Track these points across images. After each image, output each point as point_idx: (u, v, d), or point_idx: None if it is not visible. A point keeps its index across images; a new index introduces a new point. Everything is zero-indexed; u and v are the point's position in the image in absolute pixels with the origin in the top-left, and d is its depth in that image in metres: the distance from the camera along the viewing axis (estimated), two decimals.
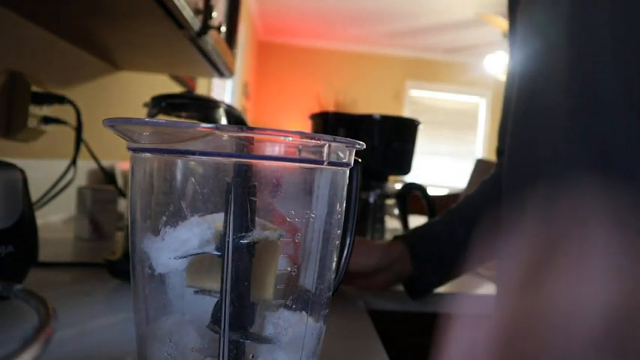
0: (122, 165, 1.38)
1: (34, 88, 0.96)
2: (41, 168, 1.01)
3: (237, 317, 0.30)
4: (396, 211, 0.97)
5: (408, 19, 4.89)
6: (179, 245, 0.30)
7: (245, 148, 0.30)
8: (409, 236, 0.74)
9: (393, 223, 1.30)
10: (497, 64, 4.85)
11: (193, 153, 0.29)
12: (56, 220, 1.12)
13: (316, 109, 0.97)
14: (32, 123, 0.97)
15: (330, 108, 5.29)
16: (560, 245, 0.31)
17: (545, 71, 0.56)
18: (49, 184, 0.99)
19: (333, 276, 0.36)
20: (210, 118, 0.75)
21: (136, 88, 1.66)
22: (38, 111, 0.98)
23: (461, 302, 0.89)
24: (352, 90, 5.71)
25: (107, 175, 1.11)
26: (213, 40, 1.02)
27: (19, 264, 0.55)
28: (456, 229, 0.74)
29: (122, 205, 1.10)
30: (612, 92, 0.48)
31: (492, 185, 0.77)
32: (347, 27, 5.24)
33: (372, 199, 0.94)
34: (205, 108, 0.76)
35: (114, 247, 0.90)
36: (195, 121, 0.77)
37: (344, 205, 0.35)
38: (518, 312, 0.32)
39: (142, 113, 0.79)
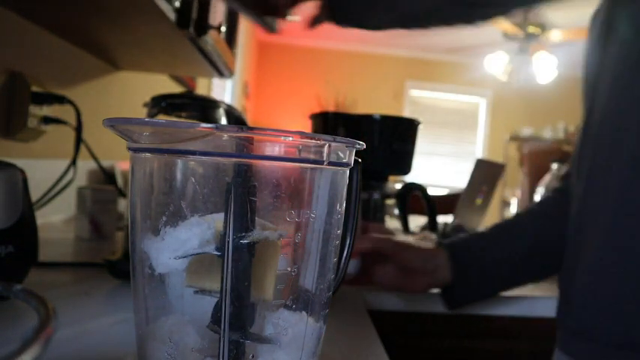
0: (122, 165, 1.38)
1: (34, 88, 0.96)
2: (41, 168, 1.01)
3: (237, 317, 0.30)
4: (396, 211, 0.97)
5: None
6: (179, 245, 0.30)
7: (245, 148, 0.30)
8: (452, 245, 0.73)
9: (393, 223, 1.31)
10: (497, 64, 4.85)
11: (193, 153, 0.29)
12: (56, 220, 1.12)
13: (316, 109, 0.97)
14: (32, 123, 0.97)
15: (330, 108, 5.29)
16: None
17: None
18: (49, 184, 0.99)
19: (333, 276, 0.36)
20: (210, 118, 0.75)
21: (136, 88, 1.66)
22: (38, 111, 0.98)
23: None
24: (352, 90, 5.71)
25: (107, 175, 1.11)
26: (213, 40, 1.02)
27: (19, 264, 0.55)
28: (503, 244, 0.74)
29: (122, 205, 1.11)
30: None
31: (546, 205, 0.77)
32: None
33: (372, 199, 0.94)
34: (205, 108, 0.76)
35: (114, 247, 0.90)
36: (195, 121, 0.77)
37: (344, 205, 0.35)
38: None
39: (142, 113, 0.79)
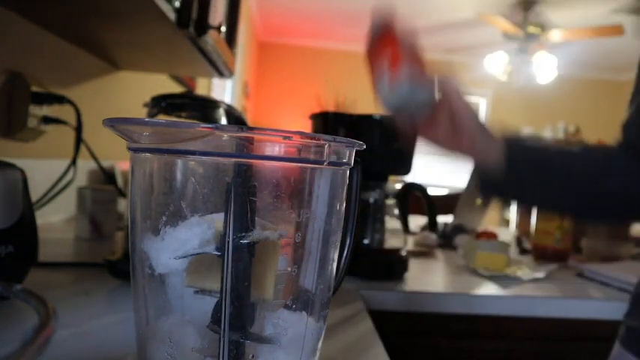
0: (122, 165, 1.38)
1: (34, 88, 0.96)
2: (41, 168, 1.01)
3: (237, 317, 0.30)
4: (396, 211, 0.97)
5: (407, 19, 4.88)
6: (179, 245, 0.30)
7: (245, 148, 0.30)
8: (512, 135, 0.67)
9: (393, 223, 1.30)
10: (497, 64, 4.85)
11: (193, 153, 0.29)
12: (56, 220, 1.12)
13: (316, 109, 0.97)
14: (32, 123, 0.97)
15: (330, 108, 5.28)
16: None
17: None
18: (49, 184, 0.99)
19: (333, 276, 0.36)
20: (210, 118, 0.75)
21: (136, 88, 1.66)
22: (38, 111, 0.98)
23: (461, 302, 0.90)
24: (352, 90, 5.70)
25: (107, 175, 1.11)
26: (213, 40, 1.01)
27: (19, 264, 0.55)
28: (561, 156, 0.68)
29: (122, 205, 1.10)
30: None
31: (610, 153, 0.70)
32: (347, 27, 5.24)
33: (372, 199, 0.94)
34: (205, 108, 0.76)
35: (114, 247, 0.90)
36: (195, 121, 0.77)
37: (344, 205, 0.35)
38: None
39: (142, 113, 0.79)
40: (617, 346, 0.66)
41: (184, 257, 0.31)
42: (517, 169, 0.66)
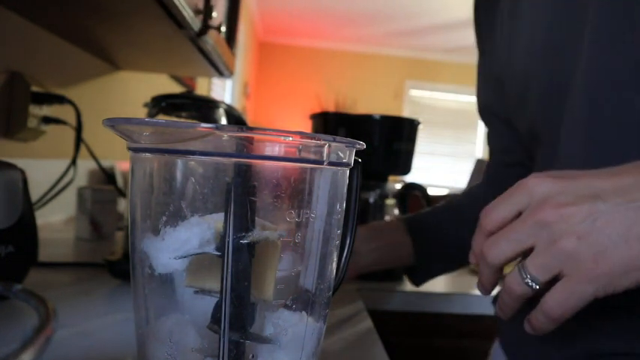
0: (122, 165, 1.38)
1: (34, 88, 0.96)
2: (41, 168, 1.01)
3: (237, 317, 0.30)
4: (396, 211, 0.97)
5: (407, 19, 4.89)
6: (179, 245, 0.30)
7: (245, 148, 0.30)
8: (412, 222, 0.74)
9: None
10: None
11: (193, 153, 0.29)
12: (56, 220, 1.12)
13: (316, 109, 0.97)
14: (32, 123, 0.97)
15: (330, 108, 5.28)
16: None
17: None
18: (49, 184, 0.99)
19: (333, 276, 0.36)
20: (210, 118, 0.75)
21: (136, 88, 1.66)
22: (38, 111, 0.98)
23: (461, 302, 0.90)
24: (352, 90, 5.71)
25: (107, 175, 1.11)
26: (213, 40, 1.01)
27: (19, 264, 0.55)
28: (462, 217, 0.73)
29: (122, 205, 1.11)
30: None
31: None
32: (347, 27, 5.24)
33: (372, 199, 0.94)
34: (205, 108, 0.76)
35: (114, 247, 0.90)
36: (195, 121, 0.77)
37: (344, 205, 0.35)
38: None
39: (142, 113, 0.79)
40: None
41: (184, 257, 0.31)
42: (429, 252, 0.73)
